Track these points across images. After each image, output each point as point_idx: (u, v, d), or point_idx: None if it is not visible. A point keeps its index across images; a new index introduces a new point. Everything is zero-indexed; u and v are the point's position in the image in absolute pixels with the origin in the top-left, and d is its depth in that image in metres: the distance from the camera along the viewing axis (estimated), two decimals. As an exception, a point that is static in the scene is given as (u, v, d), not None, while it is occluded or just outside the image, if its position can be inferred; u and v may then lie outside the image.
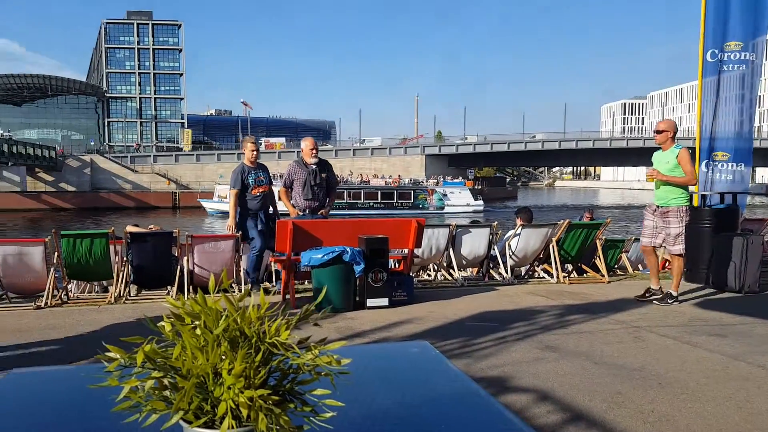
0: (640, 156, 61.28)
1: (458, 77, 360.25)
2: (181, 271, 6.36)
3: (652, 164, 5.76)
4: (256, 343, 0.93)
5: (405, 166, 65.61)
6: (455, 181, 53.16)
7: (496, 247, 7.54)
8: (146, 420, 0.88)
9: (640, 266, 8.42)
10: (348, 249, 5.49)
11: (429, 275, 8.05)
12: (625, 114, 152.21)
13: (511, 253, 7.44)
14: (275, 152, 65.44)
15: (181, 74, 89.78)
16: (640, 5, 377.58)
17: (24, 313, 5.73)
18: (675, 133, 5.76)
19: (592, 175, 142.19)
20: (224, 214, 41.70)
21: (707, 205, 7.23)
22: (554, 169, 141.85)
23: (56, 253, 6.26)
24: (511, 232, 7.64)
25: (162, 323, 0.98)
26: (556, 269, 7.22)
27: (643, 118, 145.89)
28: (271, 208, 6.92)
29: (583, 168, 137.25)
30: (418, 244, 6.30)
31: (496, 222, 7.86)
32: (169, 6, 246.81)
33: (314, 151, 6.68)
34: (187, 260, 6.42)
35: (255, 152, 6.77)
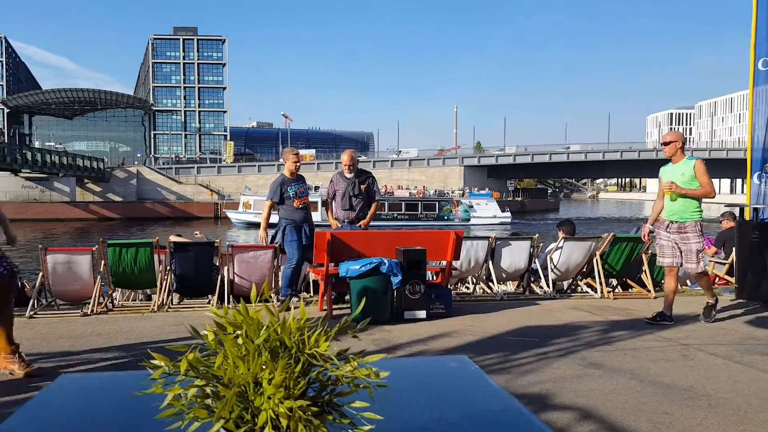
0: (687, 167, 59.58)
1: (499, 87, 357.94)
2: (222, 280, 6.48)
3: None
4: (296, 354, 0.93)
5: (443, 178, 65.33)
6: (482, 192, 52.48)
7: (537, 261, 7.42)
8: (188, 427, 0.89)
9: (688, 282, 8.14)
10: (385, 260, 5.49)
11: (467, 288, 7.96)
12: (671, 124, 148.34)
13: (552, 267, 7.30)
14: (314, 163, 66.35)
15: (224, 88, 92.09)
16: (685, 12, 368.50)
17: (72, 320, 5.92)
18: (684, 143, 5.49)
19: (638, 186, 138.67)
20: (250, 225, 42.75)
21: (760, 219, 6.94)
22: (598, 181, 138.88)
23: (103, 262, 6.46)
24: (552, 245, 7.51)
25: (205, 332, 1.00)
26: (600, 284, 7.04)
27: (690, 129, 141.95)
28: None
29: (628, 179, 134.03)
30: (457, 257, 6.25)
31: (537, 234, 7.73)
32: (214, 21, 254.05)
33: (350, 167, 6.74)
34: (228, 270, 6.53)
35: (297, 164, 6.79)
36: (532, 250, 7.39)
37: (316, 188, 34.69)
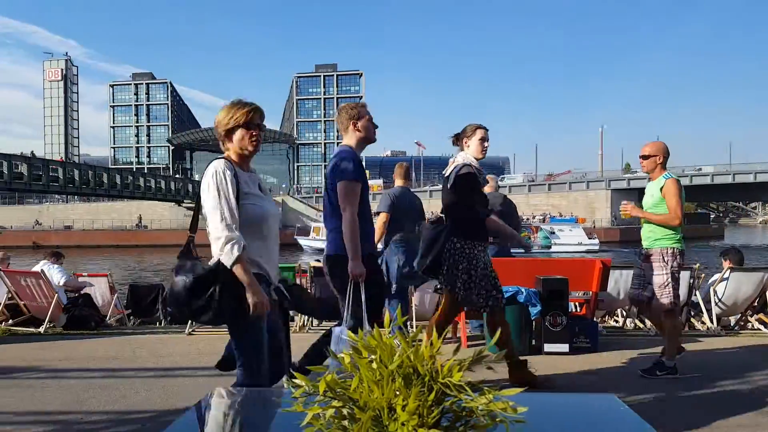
0: None
1: (649, 104, 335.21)
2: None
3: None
4: (429, 382, 0.92)
5: (588, 203, 61.68)
6: (566, 217, 48.66)
7: (698, 293, 6.73)
8: (326, 448, 0.90)
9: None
10: (522, 289, 5.30)
11: (616, 321, 7.43)
12: None
13: (717, 300, 6.57)
14: (426, 190, 66.24)
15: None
16: None
17: (225, 337, 6.35)
18: (666, 158, 4.61)
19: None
20: (319, 252, 43.09)
21: None
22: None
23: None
24: (716, 276, 6.77)
25: (342, 355, 1.02)
26: (774, 320, 6.21)
27: None
28: None
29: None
30: (603, 287, 5.87)
31: (698, 264, 7.02)
32: (352, 57, 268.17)
33: (488, 189, 6.59)
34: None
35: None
36: (692, 281, 6.71)
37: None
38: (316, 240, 44.77)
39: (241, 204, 2.52)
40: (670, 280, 4.41)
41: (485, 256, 4.12)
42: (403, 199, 5.85)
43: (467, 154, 4.15)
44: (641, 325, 6.78)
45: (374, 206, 5.39)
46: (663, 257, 4.44)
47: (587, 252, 40.88)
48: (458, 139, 4.25)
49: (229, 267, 2.41)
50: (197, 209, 2.72)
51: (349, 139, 3.56)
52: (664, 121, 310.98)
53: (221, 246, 2.42)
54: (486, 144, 4.19)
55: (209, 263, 2.46)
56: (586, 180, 66.30)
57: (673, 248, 4.45)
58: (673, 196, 4.42)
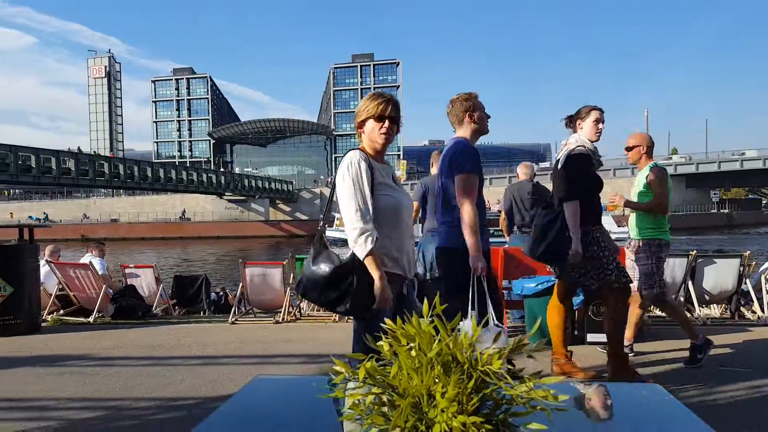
0: None
1: (699, 87, 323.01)
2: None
3: None
4: (468, 370, 0.91)
5: (632, 189, 60.02)
6: None
7: (748, 281, 6.50)
8: (367, 433, 0.92)
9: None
10: (564, 278, 5.21)
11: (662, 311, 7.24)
12: None
13: (768, 289, 6.34)
14: (486, 178, 65.61)
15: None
16: None
17: (266, 326, 6.54)
18: (651, 147, 4.70)
19: None
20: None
21: None
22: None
23: (292, 275, 7.06)
24: (768, 264, 6.54)
25: (381, 343, 1.02)
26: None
27: None
28: None
29: None
30: (646, 275, 5.72)
31: (748, 252, 6.77)
32: (390, 46, 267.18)
33: (522, 176, 6.51)
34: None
35: None
36: (742, 269, 6.49)
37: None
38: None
39: (376, 195, 2.51)
40: (656, 270, 4.50)
41: (603, 236, 4.06)
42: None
43: (581, 136, 4.05)
44: (688, 315, 6.59)
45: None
46: (649, 248, 4.52)
47: (617, 240, 40.05)
48: (571, 121, 4.15)
49: (361, 259, 2.40)
50: (330, 199, 2.74)
51: (464, 131, 3.45)
52: (712, 103, 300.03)
53: (355, 238, 2.42)
54: (601, 126, 4.09)
55: (345, 255, 2.47)
56: (631, 166, 64.32)
57: (660, 240, 4.53)
58: (658, 184, 4.51)
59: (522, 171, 6.57)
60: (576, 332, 5.25)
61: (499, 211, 6.81)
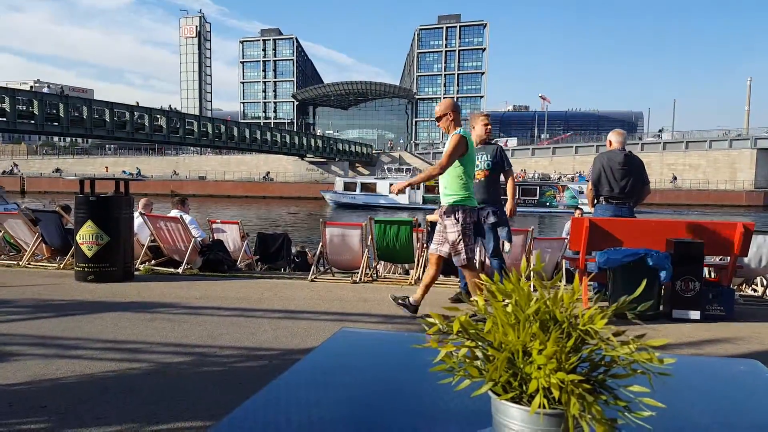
0: None
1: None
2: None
3: None
4: (567, 329, 0.90)
5: (730, 162, 55.80)
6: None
7: None
8: (458, 384, 0.93)
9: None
10: (653, 252, 4.99)
11: (755, 290, 6.82)
12: None
13: None
14: (571, 146, 63.39)
15: (482, 73, 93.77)
16: None
17: (343, 285, 6.71)
18: (457, 113, 4.85)
19: None
20: (344, 206, 45.15)
21: None
22: None
23: (370, 237, 7.17)
24: None
25: (475, 298, 1.02)
26: None
27: None
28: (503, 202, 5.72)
29: None
30: (744, 253, 5.38)
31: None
32: (477, 7, 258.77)
33: (615, 144, 6.17)
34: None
35: (488, 126, 5.85)
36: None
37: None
38: (336, 194, 47.30)
39: None
40: (462, 237, 4.66)
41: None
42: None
43: None
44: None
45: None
46: (454, 214, 4.69)
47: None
48: None
49: None
50: None
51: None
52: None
53: None
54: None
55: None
56: (729, 138, 59.81)
57: (463, 205, 4.71)
58: (449, 149, 4.67)
59: (615, 138, 6.19)
60: (662, 307, 5.05)
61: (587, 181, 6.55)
